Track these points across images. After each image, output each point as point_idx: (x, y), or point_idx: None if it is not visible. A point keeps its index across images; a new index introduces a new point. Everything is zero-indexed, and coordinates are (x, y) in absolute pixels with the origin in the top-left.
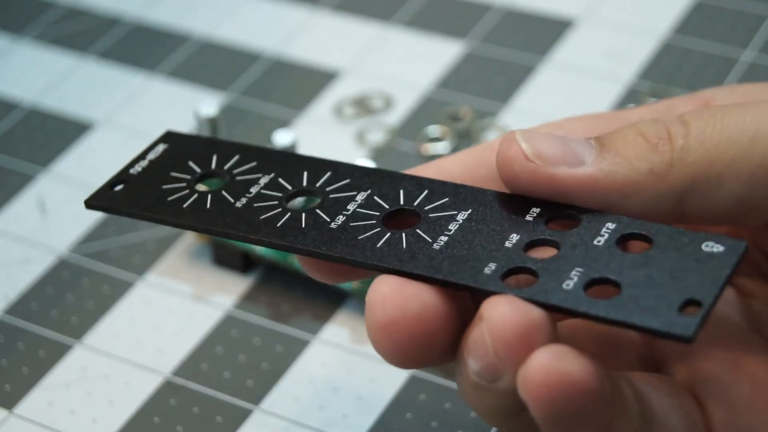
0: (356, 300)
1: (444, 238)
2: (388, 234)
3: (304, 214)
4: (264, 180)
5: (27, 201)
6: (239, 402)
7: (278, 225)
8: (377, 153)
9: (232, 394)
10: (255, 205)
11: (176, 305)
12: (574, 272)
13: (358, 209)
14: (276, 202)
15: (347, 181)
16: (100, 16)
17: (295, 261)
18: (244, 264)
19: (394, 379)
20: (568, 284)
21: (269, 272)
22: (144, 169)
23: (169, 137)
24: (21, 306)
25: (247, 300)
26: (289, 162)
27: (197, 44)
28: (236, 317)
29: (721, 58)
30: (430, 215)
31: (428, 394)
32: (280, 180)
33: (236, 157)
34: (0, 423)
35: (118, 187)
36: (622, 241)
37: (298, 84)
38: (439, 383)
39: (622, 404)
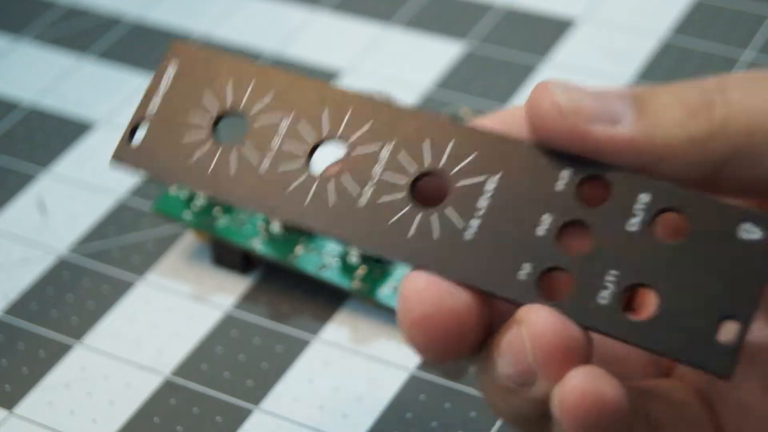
0: (356, 300)
1: (475, 223)
2: (419, 217)
3: (329, 186)
4: (284, 125)
5: (27, 201)
6: (239, 402)
7: (305, 204)
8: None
9: (232, 394)
10: (279, 170)
11: (176, 305)
12: (608, 276)
13: (383, 177)
14: (299, 166)
15: (370, 124)
16: (100, 16)
17: (295, 261)
18: (244, 264)
19: (393, 379)
20: (604, 297)
21: (269, 272)
22: (159, 109)
23: (177, 51)
24: (21, 306)
25: (247, 300)
26: (309, 96)
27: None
28: (236, 317)
29: (721, 58)
30: (458, 183)
31: (428, 394)
32: (301, 124)
33: (252, 83)
34: (0, 423)
35: (138, 135)
36: (656, 216)
37: None
38: (439, 383)
39: (639, 418)
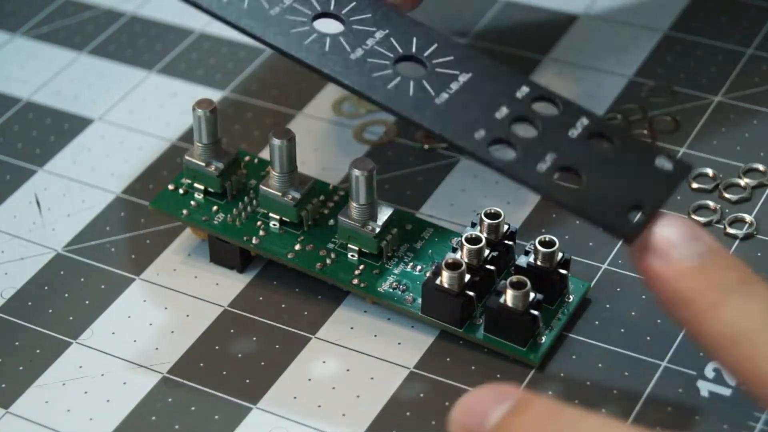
0: (355, 297)
1: (445, 95)
2: (399, 78)
3: (328, 39)
4: None
5: (23, 198)
6: (237, 400)
7: (305, 43)
8: (377, 149)
9: (230, 393)
10: (286, 16)
11: (173, 303)
12: (548, 156)
13: (375, 46)
14: (305, 19)
15: (369, 15)
16: (98, 11)
17: (293, 258)
18: (241, 262)
19: (392, 377)
20: (542, 167)
21: (267, 270)
22: None
23: None
24: (17, 304)
25: (245, 298)
26: None
27: (196, 39)
28: (233, 315)
29: (723, 52)
30: (437, 69)
31: (427, 393)
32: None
33: None
34: None
35: None
36: (591, 137)
37: (298, 80)
38: (438, 381)
39: None
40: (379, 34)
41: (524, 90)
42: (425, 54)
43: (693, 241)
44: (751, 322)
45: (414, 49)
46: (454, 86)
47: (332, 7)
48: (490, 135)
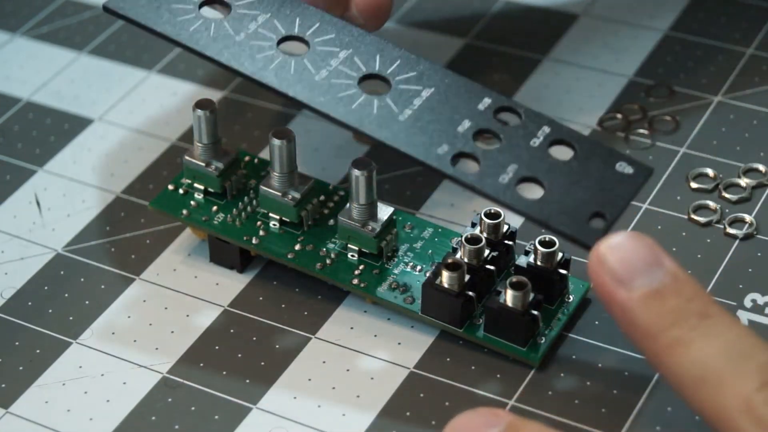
0: (355, 298)
1: (408, 112)
2: (363, 97)
3: (293, 61)
4: (261, 18)
5: (23, 198)
6: (237, 400)
7: (271, 67)
8: (377, 149)
9: (230, 393)
10: (252, 42)
11: (173, 303)
12: (510, 167)
13: (340, 66)
14: (269, 44)
15: (332, 35)
16: (98, 11)
17: (293, 258)
18: (241, 262)
19: (392, 377)
20: (504, 178)
21: (267, 270)
22: None
23: None
24: (17, 304)
25: (245, 298)
26: (285, 5)
27: None
28: (234, 315)
29: (723, 52)
30: (400, 86)
31: (427, 393)
32: (276, 22)
33: None
34: None
35: None
36: (552, 144)
37: None
38: (438, 381)
39: None
40: (343, 54)
41: (486, 102)
42: (388, 71)
43: (654, 267)
44: (714, 362)
45: (377, 67)
46: (417, 102)
47: (296, 30)
48: (453, 149)
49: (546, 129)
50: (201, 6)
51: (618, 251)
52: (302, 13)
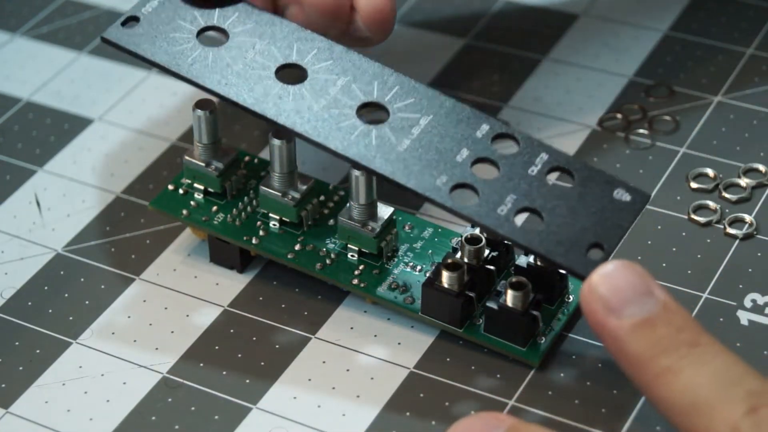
0: (355, 299)
1: (407, 142)
2: (362, 127)
3: (291, 91)
4: (259, 46)
5: (23, 198)
6: (237, 400)
7: (267, 98)
8: None
9: (230, 393)
10: (249, 72)
11: (173, 303)
12: (509, 198)
13: (337, 96)
14: (267, 74)
15: (330, 62)
16: (98, 11)
17: (293, 258)
18: (241, 262)
19: (392, 377)
20: (502, 209)
21: (267, 270)
22: (154, 10)
23: None
24: (17, 304)
25: (245, 298)
26: (282, 31)
27: None
28: (234, 315)
29: (723, 52)
30: (398, 114)
31: (427, 392)
32: (273, 49)
33: (235, 15)
34: None
35: (131, 25)
36: (550, 171)
37: None
38: (438, 381)
39: None
40: (341, 81)
41: (484, 128)
42: (387, 98)
43: (645, 297)
44: (703, 390)
45: (375, 94)
46: (416, 131)
47: (294, 58)
48: (451, 180)
49: (544, 156)
50: (199, 34)
51: (609, 280)
52: (300, 38)
